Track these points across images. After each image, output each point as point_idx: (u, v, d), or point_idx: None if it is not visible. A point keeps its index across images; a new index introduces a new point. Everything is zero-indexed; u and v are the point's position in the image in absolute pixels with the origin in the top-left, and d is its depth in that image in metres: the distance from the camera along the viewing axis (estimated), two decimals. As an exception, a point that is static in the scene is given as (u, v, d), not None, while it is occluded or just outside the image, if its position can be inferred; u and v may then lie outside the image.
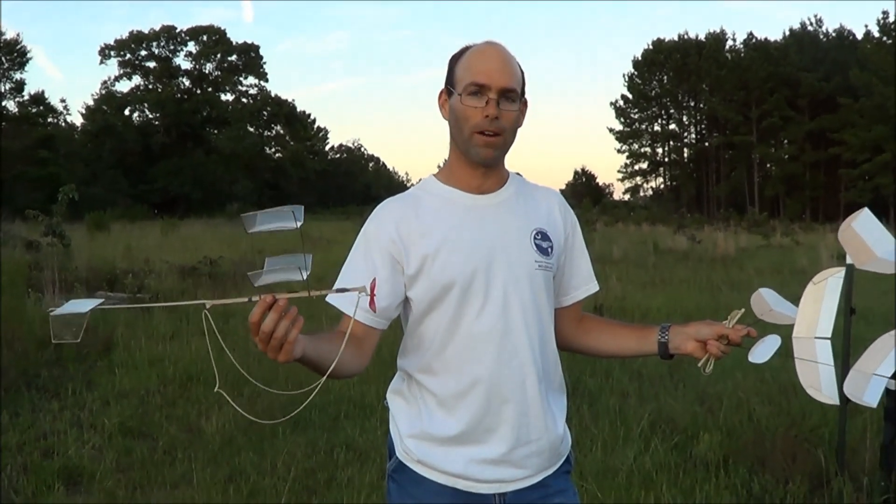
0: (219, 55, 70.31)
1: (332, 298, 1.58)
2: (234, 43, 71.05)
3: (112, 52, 68.38)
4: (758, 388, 5.90)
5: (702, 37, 71.65)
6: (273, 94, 73.95)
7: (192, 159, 62.79)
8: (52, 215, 10.80)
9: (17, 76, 57.05)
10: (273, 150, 75.51)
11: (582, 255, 1.86)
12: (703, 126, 75.60)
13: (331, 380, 1.46)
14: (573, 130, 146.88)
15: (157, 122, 67.83)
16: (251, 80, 72.49)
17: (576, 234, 1.84)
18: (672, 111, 76.14)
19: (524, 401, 1.68)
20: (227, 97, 72.29)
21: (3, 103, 55.18)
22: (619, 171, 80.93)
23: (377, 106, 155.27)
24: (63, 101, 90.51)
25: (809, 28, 68.53)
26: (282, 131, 76.15)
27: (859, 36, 61.39)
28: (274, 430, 5.01)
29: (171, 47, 70.12)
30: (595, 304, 8.77)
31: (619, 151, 78.27)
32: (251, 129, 71.45)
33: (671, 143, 77.42)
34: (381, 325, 1.70)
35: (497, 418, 1.67)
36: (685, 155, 77.40)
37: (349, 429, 5.11)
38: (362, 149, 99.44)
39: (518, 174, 1.85)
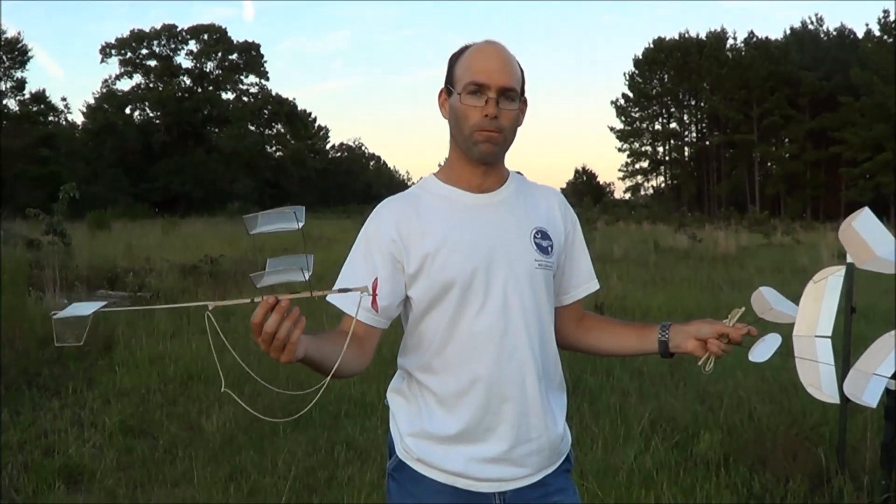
0: (220, 54, 70.36)
1: (333, 298, 1.57)
2: (234, 42, 71.20)
3: (113, 51, 68.49)
4: (758, 386, 5.90)
5: (703, 36, 71.82)
6: (274, 93, 74.20)
7: (192, 158, 62.82)
8: (53, 214, 10.79)
9: (18, 75, 57.26)
10: (274, 148, 75.62)
11: (582, 254, 1.86)
12: (703, 125, 75.64)
13: (332, 379, 1.46)
14: (574, 129, 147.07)
15: (157, 121, 67.90)
16: (252, 78, 72.72)
17: (576, 232, 1.84)
18: (673, 110, 76.19)
19: (524, 399, 1.68)
20: (228, 96, 72.52)
21: (4, 102, 55.31)
22: (619, 170, 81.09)
23: (378, 105, 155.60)
24: (64, 99, 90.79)
25: (810, 27, 68.58)
26: (283, 130, 76.25)
27: (860, 35, 61.47)
28: (274, 428, 5.02)
29: (172, 46, 70.22)
30: (596, 302, 8.77)
31: (619, 150, 78.52)
32: (252, 128, 71.52)
33: (672, 141, 77.45)
34: (383, 324, 1.70)
35: (497, 417, 1.67)
36: (686, 154, 77.43)
37: (350, 427, 5.11)
38: (363, 147, 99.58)
39: (519, 173, 1.85)
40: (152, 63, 69.68)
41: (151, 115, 68.76)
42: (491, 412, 1.67)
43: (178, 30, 70.03)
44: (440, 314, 1.67)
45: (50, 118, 58.87)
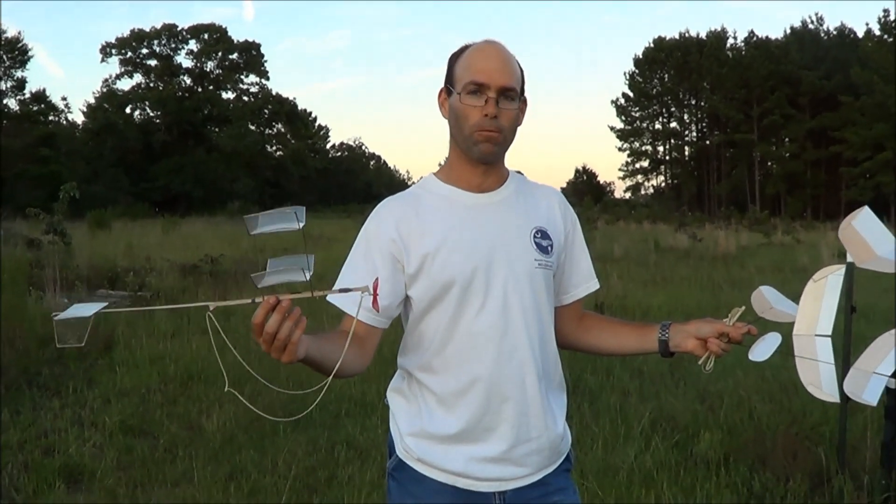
0: (220, 53, 70.35)
1: (333, 298, 1.57)
2: (235, 41, 71.18)
3: (113, 51, 68.48)
4: (758, 386, 5.90)
5: (703, 35, 71.79)
6: (274, 93, 74.16)
7: (193, 157, 62.80)
8: (54, 213, 10.79)
9: (19, 74, 57.28)
10: (274, 148, 75.63)
11: (582, 254, 1.86)
12: (704, 124, 75.60)
13: (333, 379, 1.46)
14: (574, 129, 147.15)
15: (158, 121, 67.89)
16: (252, 78, 72.69)
17: (576, 232, 1.84)
18: (673, 109, 76.15)
19: (524, 399, 1.68)
20: (229, 95, 72.48)
21: (5, 101, 55.28)
22: (620, 170, 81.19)
23: (378, 104, 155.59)
24: (64, 99, 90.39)
25: (810, 26, 68.57)
26: (283, 129, 76.25)
27: (860, 34, 61.47)
28: (275, 428, 5.02)
29: (173, 45, 70.22)
30: (596, 302, 8.77)
31: (620, 150, 78.45)
32: (252, 128, 71.51)
33: (672, 141, 77.43)
34: (383, 324, 1.70)
35: (497, 417, 1.67)
36: (686, 153, 77.41)
37: (350, 427, 5.11)
38: (363, 147, 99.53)
39: (519, 172, 1.85)
40: (152, 63, 69.70)
41: (152, 114, 68.78)
42: (491, 412, 1.67)
43: (179, 29, 70.09)
44: (440, 314, 1.67)
45: (50, 118, 58.87)
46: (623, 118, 76.23)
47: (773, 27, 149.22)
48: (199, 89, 70.52)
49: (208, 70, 71.09)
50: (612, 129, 76.74)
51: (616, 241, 20.31)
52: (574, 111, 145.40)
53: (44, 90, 58.60)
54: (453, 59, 1.71)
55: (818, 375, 1.57)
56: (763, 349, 1.63)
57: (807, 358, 1.59)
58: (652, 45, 73.95)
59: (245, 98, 72.65)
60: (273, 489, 4.13)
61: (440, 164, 1.82)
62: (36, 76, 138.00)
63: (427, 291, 1.66)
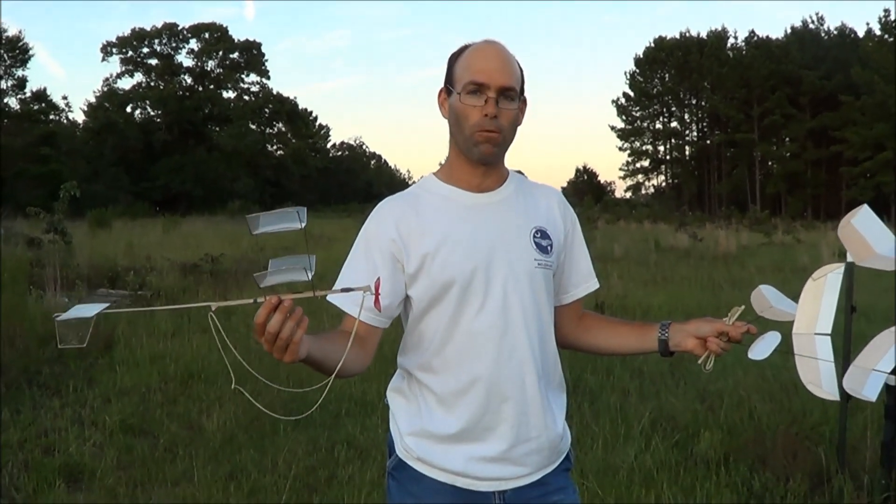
0: (220, 52, 70.36)
1: (334, 298, 1.57)
2: (235, 40, 71.18)
3: (114, 50, 68.50)
4: (759, 385, 5.90)
5: (703, 35, 71.78)
6: (275, 92, 74.15)
7: (193, 157, 62.82)
8: (54, 212, 10.79)
9: (19, 73, 57.23)
10: (275, 147, 75.63)
11: (582, 253, 1.86)
12: (704, 124, 75.59)
13: (333, 378, 1.46)
14: (574, 129, 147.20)
15: (158, 120, 67.89)
16: (253, 77, 72.69)
17: (575, 231, 1.84)
18: (674, 109, 76.15)
19: (524, 399, 1.68)
20: (229, 94, 72.42)
21: (5, 100, 55.26)
22: (620, 169, 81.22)
23: (378, 104, 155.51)
24: (65, 98, 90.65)
25: (811, 26, 68.52)
26: (283, 129, 76.24)
27: (861, 34, 61.51)
28: (275, 427, 5.02)
29: (173, 45, 70.23)
30: (596, 301, 8.77)
31: (620, 149, 78.47)
32: (253, 127, 71.48)
33: (673, 140, 77.43)
34: (384, 323, 1.70)
35: (497, 416, 1.67)
36: (687, 153, 77.39)
37: (350, 426, 5.11)
38: (364, 146, 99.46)
39: (519, 172, 1.85)
40: (153, 62, 69.73)
41: (152, 113, 68.76)
42: (490, 411, 1.67)
43: (180, 28, 70.08)
44: (440, 313, 1.67)
45: (51, 117, 58.86)
46: (623, 118, 76.31)
47: (774, 27, 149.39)
48: (200, 88, 70.52)
49: (209, 69, 71.10)
50: (612, 128, 76.90)
51: (616, 241, 20.30)
52: (574, 111, 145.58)
53: (44, 89, 58.62)
54: (453, 59, 1.71)
55: (818, 374, 1.57)
56: (762, 348, 1.63)
57: (806, 356, 1.59)
58: (652, 44, 73.98)
59: (246, 97, 72.67)
60: (273, 489, 4.13)
61: (440, 164, 1.82)
62: (36, 75, 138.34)
63: (427, 291, 1.66)
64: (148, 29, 69.05)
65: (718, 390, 5.81)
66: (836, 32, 67.08)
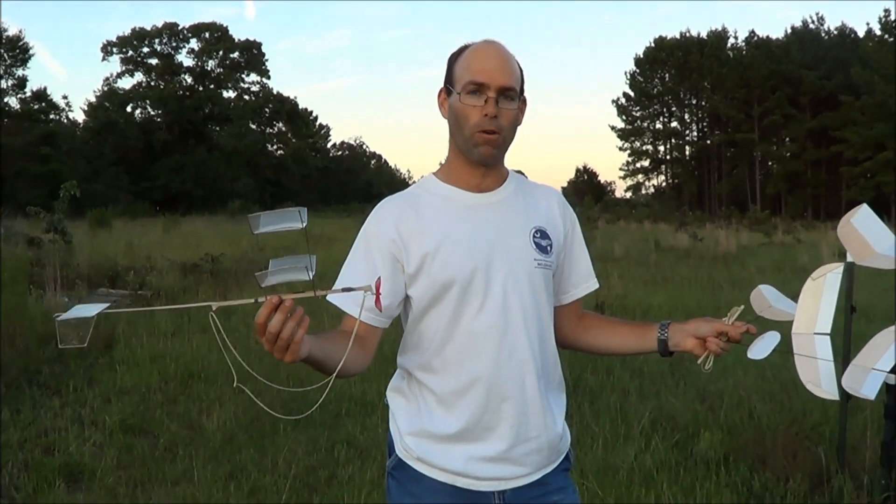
0: (221, 52, 70.35)
1: (334, 298, 1.57)
2: (236, 40, 71.19)
3: (114, 49, 68.49)
4: (759, 385, 5.90)
5: (704, 35, 71.82)
6: (275, 92, 74.19)
7: (193, 156, 62.82)
8: (54, 212, 10.79)
9: (20, 73, 57.24)
10: (275, 147, 75.64)
11: (581, 253, 1.86)
12: (704, 124, 75.61)
13: (333, 378, 1.46)
14: (575, 129, 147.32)
15: (159, 119, 67.90)
16: (253, 77, 72.70)
17: (575, 232, 1.84)
18: (674, 109, 76.16)
19: (523, 399, 1.68)
20: (229, 94, 72.45)
21: (6, 100, 55.25)
22: (620, 169, 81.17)
23: (379, 103, 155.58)
24: (65, 97, 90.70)
25: (811, 26, 68.52)
26: (284, 128, 76.26)
27: (861, 34, 61.55)
28: (275, 427, 5.02)
29: (174, 44, 70.23)
30: (597, 301, 8.77)
31: (620, 149, 78.49)
32: (253, 127, 71.49)
33: (673, 140, 77.44)
34: (384, 323, 1.70)
35: (496, 416, 1.67)
36: (687, 153, 77.41)
37: (350, 426, 5.11)
38: (364, 146, 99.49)
39: (519, 172, 1.85)
40: (154, 61, 69.73)
41: (152, 113, 68.77)
42: (490, 411, 1.67)
43: (180, 28, 70.10)
44: (440, 313, 1.67)
45: (51, 116, 58.87)
46: (624, 118, 76.34)
47: (774, 27, 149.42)
48: (200, 88, 70.53)
49: (209, 69, 71.10)
50: (612, 128, 76.95)
51: (616, 241, 20.31)
52: (574, 111, 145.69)
53: (45, 89, 58.64)
54: (453, 59, 1.71)
55: (817, 373, 1.57)
56: (762, 347, 1.63)
57: (806, 356, 1.59)
58: (653, 44, 73.99)
59: (246, 97, 72.69)
60: (273, 488, 4.13)
61: (440, 164, 1.82)
62: (37, 75, 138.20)
63: (427, 291, 1.66)
64: (148, 28, 69.18)
65: (718, 390, 5.81)
66: (836, 32, 67.13)
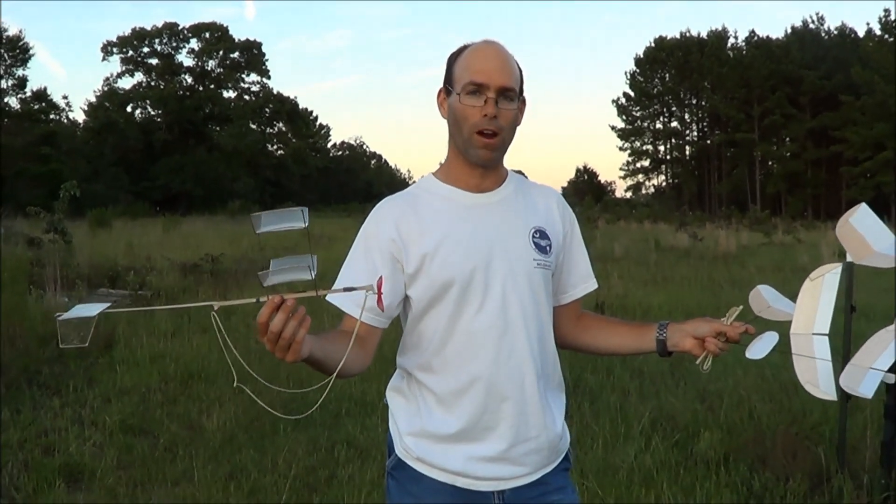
0: (221, 52, 70.35)
1: (334, 298, 1.57)
2: (236, 40, 71.19)
3: (114, 49, 68.48)
4: (758, 385, 5.90)
5: (704, 35, 71.85)
6: (275, 92, 74.19)
7: (193, 156, 62.81)
8: (54, 212, 10.78)
9: (20, 73, 57.24)
10: (275, 147, 75.67)
11: (580, 254, 1.86)
12: (704, 124, 75.62)
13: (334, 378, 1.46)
14: (575, 128, 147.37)
15: (159, 119, 67.91)
16: (253, 77, 72.71)
17: (574, 232, 1.84)
18: (674, 109, 76.18)
19: (523, 398, 1.69)
20: (230, 94, 72.45)
21: (6, 100, 55.24)
22: (620, 169, 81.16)
23: (379, 103, 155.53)
24: (65, 97, 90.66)
25: (811, 26, 68.51)
26: (284, 128, 76.26)
27: (861, 34, 61.54)
28: (275, 427, 5.02)
29: (174, 44, 70.23)
30: (596, 301, 8.77)
31: (620, 149, 78.51)
32: (253, 126, 71.49)
33: (673, 140, 77.46)
34: (384, 323, 1.70)
35: (496, 416, 1.67)
36: (687, 152, 77.42)
37: (350, 426, 5.11)
38: (364, 146, 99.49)
39: (519, 172, 1.85)
40: (154, 61, 69.72)
41: (153, 113, 68.78)
42: (490, 411, 1.67)
43: (180, 28, 70.09)
44: (439, 313, 1.67)
45: (51, 116, 58.85)
46: (624, 117, 76.37)
47: (774, 27, 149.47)
48: (200, 88, 70.52)
49: (209, 69, 71.10)
50: (612, 128, 77.01)
51: (616, 241, 20.30)
52: (574, 111, 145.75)
53: (45, 89, 58.63)
54: (452, 60, 1.71)
55: (816, 374, 1.57)
56: (760, 347, 1.63)
57: (804, 356, 1.59)
58: (653, 44, 73.99)
59: (246, 97, 72.70)
60: (273, 488, 4.13)
61: (440, 164, 1.82)
62: (37, 75, 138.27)
63: (426, 291, 1.66)
64: (148, 28, 69.16)
65: (718, 390, 5.81)
66: (836, 32, 67.10)
